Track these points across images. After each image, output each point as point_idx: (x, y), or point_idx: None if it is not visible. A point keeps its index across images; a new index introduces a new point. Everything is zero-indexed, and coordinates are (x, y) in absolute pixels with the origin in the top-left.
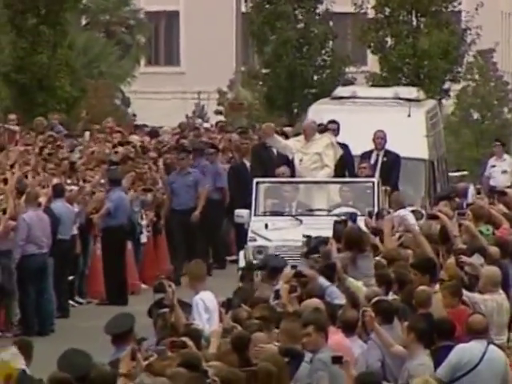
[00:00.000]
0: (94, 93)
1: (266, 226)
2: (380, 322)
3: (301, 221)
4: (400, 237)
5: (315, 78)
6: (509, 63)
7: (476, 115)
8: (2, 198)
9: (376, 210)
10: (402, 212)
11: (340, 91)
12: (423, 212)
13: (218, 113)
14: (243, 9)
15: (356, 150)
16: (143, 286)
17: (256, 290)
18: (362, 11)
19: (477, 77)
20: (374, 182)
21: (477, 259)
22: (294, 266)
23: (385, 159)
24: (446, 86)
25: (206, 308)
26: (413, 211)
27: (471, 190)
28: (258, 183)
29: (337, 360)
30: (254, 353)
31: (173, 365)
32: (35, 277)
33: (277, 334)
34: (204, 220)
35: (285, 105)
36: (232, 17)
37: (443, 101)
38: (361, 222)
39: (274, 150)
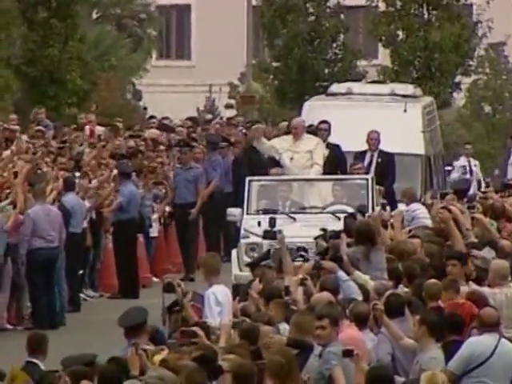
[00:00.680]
0: (105, 86)
1: (259, 223)
2: (391, 315)
3: (294, 218)
4: (410, 230)
5: (326, 71)
6: None
7: (487, 108)
8: (11, 192)
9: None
10: (414, 206)
11: (335, 88)
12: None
13: (228, 106)
14: (254, 2)
15: (351, 147)
16: (154, 279)
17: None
18: (374, 4)
19: (488, 70)
20: (367, 180)
21: (488, 253)
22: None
23: (379, 160)
24: (458, 79)
25: (217, 301)
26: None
27: (474, 183)
28: (250, 181)
29: (348, 353)
30: (263, 345)
31: (186, 359)
32: (44, 270)
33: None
34: (217, 213)
35: (296, 98)
36: (243, 10)
37: (454, 94)
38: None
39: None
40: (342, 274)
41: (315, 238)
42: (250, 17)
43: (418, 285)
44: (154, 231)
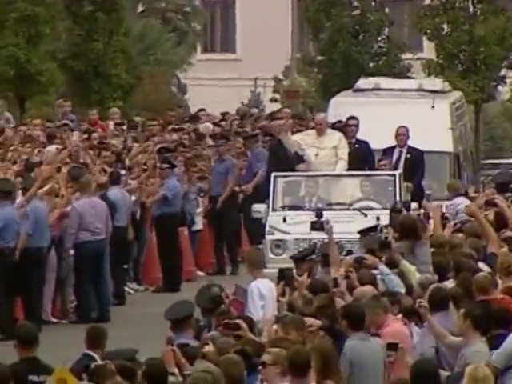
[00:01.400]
0: (149, 80)
1: (284, 219)
2: (435, 309)
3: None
4: (455, 224)
5: (371, 65)
6: None
7: None
8: (53, 186)
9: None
10: (459, 200)
11: (362, 83)
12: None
13: (273, 100)
14: None
15: (378, 144)
16: (199, 272)
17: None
18: None
19: None
20: (395, 176)
21: None
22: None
23: (408, 156)
24: (502, 72)
25: (260, 295)
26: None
27: None
28: (275, 178)
29: (392, 346)
30: (307, 335)
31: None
32: (91, 263)
33: None
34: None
35: (340, 92)
36: (288, 4)
37: (499, 88)
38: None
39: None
40: (383, 267)
41: (361, 233)
42: (295, 10)
43: (464, 278)
44: (198, 225)
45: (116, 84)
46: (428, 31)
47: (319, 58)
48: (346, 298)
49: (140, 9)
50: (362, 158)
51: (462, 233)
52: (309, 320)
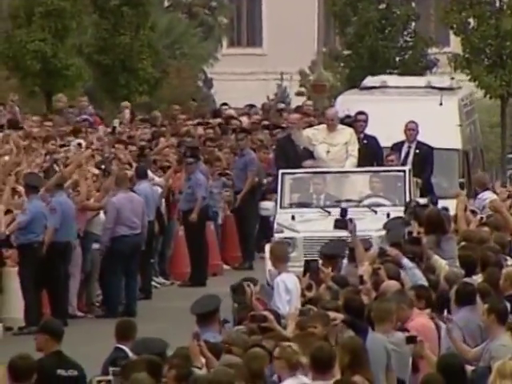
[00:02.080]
0: (176, 74)
1: (293, 217)
2: (462, 303)
3: (329, 212)
4: (481, 218)
5: (397, 59)
6: None
7: None
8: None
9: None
10: (486, 194)
11: (369, 81)
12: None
13: (299, 94)
14: None
15: (386, 142)
16: (225, 266)
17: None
18: None
19: None
20: (405, 171)
21: None
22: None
23: (417, 151)
24: None
25: (286, 289)
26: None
27: None
28: (283, 174)
29: (411, 340)
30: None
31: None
32: (126, 258)
33: None
34: None
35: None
36: None
37: None
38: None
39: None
40: (406, 261)
41: (386, 227)
42: (321, 5)
43: (490, 273)
44: (219, 219)
45: (142, 78)
46: (454, 25)
47: (345, 52)
48: (371, 295)
49: (166, 3)
50: (370, 153)
51: (487, 227)
52: (331, 314)
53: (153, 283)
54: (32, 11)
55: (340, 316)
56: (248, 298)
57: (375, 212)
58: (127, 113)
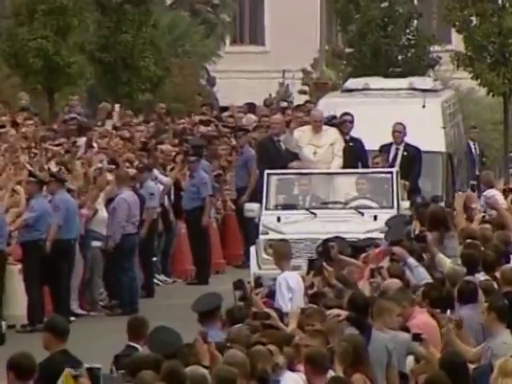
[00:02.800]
0: (178, 72)
1: (279, 219)
2: (464, 301)
3: (315, 214)
4: (484, 216)
5: (400, 57)
6: None
7: None
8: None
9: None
10: (491, 192)
11: (351, 83)
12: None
13: (302, 92)
14: None
15: (368, 145)
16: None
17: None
18: None
19: None
20: (392, 173)
21: None
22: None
23: (405, 153)
24: None
25: (288, 287)
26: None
27: None
28: (268, 175)
29: (417, 337)
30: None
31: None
32: (131, 256)
33: None
34: None
35: None
36: None
37: None
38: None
39: (282, 145)
40: (411, 260)
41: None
42: (324, 2)
43: (493, 271)
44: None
45: (145, 76)
46: (457, 23)
47: (348, 50)
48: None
49: (169, 1)
50: (355, 155)
51: (490, 224)
52: (335, 311)
53: (155, 281)
54: (34, 9)
55: (344, 313)
56: (248, 293)
57: (362, 214)
58: (116, 114)
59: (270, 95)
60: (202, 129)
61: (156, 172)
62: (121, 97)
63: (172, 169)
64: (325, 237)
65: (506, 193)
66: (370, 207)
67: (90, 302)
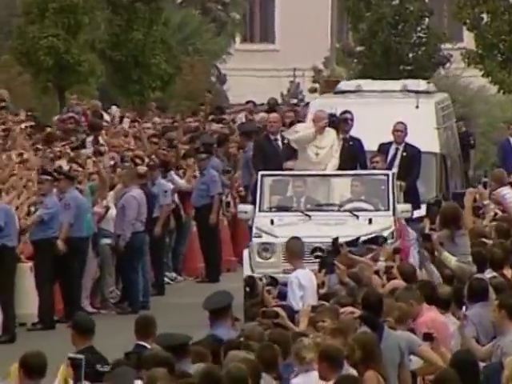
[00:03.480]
0: (189, 70)
1: (272, 221)
2: (474, 299)
3: (309, 216)
4: (495, 214)
5: (410, 55)
6: None
7: None
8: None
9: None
10: (503, 190)
11: (344, 85)
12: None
13: (312, 90)
14: None
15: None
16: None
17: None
18: None
19: None
20: (388, 175)
21: None
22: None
23: (404, 154)
24: None
25: (300, 285)
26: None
27: None
28: (262, 176)
29: (428, 337)
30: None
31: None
32: (140, 254)
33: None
34: None
35: None
36: None
37: None
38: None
39: (279, 143)
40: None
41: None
42: (335, 0)
43: (501, 269)
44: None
45: (155, 74)
46: (468, 21)
47: (359, 48)
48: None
49: None
50: (354, 155)
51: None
52: (349, 308)
53: (165, 279)
54: (45, 7)
55: (357, 311)
56: (259, 291)
57: (357, 217)
58: (115, 111)
59: (282, 93)
60: (215, 126)
61: (172, 173)
62: (132, 95)
63: (184, 170)
64: (319, 240)
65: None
66: (366, 210)
67: (101, 299)
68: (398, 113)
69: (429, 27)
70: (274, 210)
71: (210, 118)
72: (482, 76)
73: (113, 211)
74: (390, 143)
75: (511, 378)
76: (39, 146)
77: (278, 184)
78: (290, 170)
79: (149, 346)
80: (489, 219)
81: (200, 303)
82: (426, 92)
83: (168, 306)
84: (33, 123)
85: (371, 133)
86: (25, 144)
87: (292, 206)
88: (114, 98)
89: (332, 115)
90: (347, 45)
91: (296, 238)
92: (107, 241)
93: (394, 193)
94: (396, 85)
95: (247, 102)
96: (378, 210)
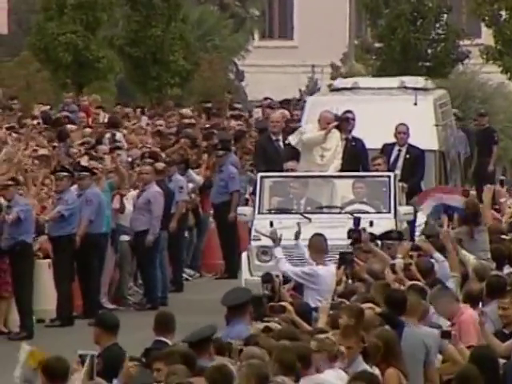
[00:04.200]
0: (207, 66)
1: (272, 223)
2: (493, 296)
3: (309, 219)
4: None
5: (429, 51)
6: None
7: None
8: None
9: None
10: None
11: (340, 83)
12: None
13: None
14: None
15: None
16: None
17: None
18: None
19: None
20: (390, 177)
21: None
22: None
23: (407, 156)
24: None
25: (319, 282)
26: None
27: None
28: (262, 178)
29: (446, 334)
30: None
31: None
32: (157, 250)
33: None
34: None
35: None
36: None
37: None
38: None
39: (281, 144)
40: (437, 255)
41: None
42: None
43: None
44: None
45: (174, 70)
46: (486, 17)
47: (377, 44)
48: (405, 284)
49: None
50: (357, 156)
51: None
52: (369, 305)
53: (184, 275)
54: (64, 3)
55: (377, 309)
56: (277, 287)
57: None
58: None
59: (300, 90)
60: (233, 123)
61: (191, 171)
62: (150, 91)
63: (198, 166)
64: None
65: None
66: (367, 212)
67: (120, 296)
68: (396, 110)
69: (447, 23)
70: (273, 211)
71: (229, 114)
72: (501, 72)
73: (130, 208)
74: (393, 144)
75: None
76: (55, 144)
77: (277, 186)
78: (291, 170)
79: (169, 342)
80: (507, 216)
81: (218, 300)
82: (424, 89)
83: (186, 303)
84: (39, 120)
85: (369, 131)
86: (40, 140)
87: (292, 208)
88: (132, 95)
89: (334, 115)
90: (366, 41)
91: (319, 235)
92: (126, 237)
93: (396, 195)
94: (394, 82)
95: (265, 99)
96: (379, 212)
